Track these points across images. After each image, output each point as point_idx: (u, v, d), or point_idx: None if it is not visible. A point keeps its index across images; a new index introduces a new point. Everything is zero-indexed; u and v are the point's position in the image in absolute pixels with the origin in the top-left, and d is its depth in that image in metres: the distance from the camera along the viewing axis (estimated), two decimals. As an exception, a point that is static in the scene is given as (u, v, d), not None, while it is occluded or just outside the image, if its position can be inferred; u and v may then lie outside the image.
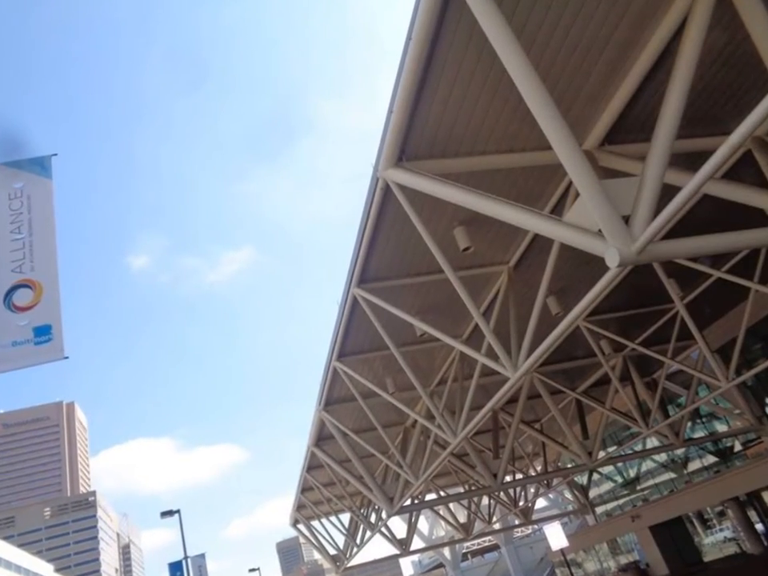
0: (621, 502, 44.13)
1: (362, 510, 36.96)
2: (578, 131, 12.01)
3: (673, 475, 39.15)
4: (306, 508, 40.29)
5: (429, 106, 10.80)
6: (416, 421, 24.58)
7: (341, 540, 42.61)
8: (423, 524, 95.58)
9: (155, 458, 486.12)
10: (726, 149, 7.44)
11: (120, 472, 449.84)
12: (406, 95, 10.33)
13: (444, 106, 10.91)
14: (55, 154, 17.02)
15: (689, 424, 31.98)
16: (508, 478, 33.41)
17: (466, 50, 9.86)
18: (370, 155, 12.19)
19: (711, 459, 35.97)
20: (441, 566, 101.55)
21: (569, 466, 38.53)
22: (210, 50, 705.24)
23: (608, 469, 44.32)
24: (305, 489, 36.79)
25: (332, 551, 42.70)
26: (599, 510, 46.54)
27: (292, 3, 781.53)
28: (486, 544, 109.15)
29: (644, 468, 41.85)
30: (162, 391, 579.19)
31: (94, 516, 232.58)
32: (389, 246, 14.64)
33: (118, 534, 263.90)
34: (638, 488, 42.48)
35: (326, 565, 42.53)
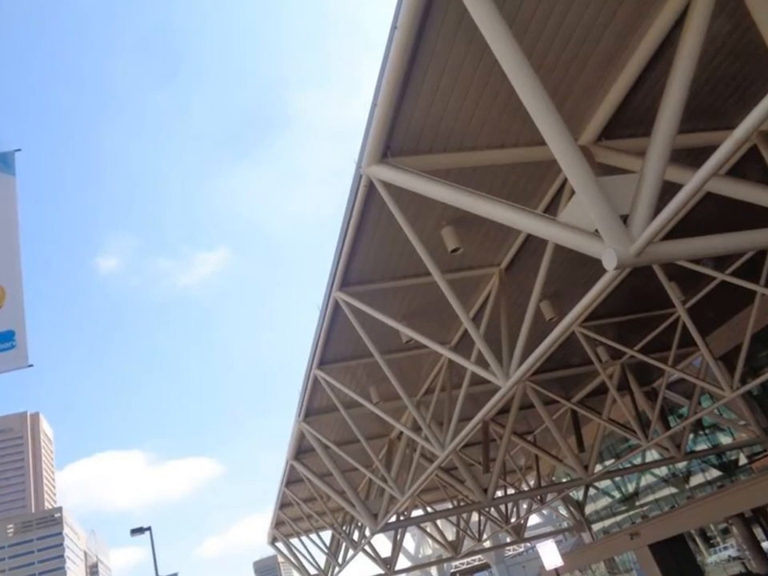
0: (619, 518, 44.15)
1: (344, 527, 36.88)
2: (573, 125, 12.00)
3: (674, 490, 39.17)
4: (285, 525, 40.21)
5: (415, 98, 10.76)
6: (401, 433, 24.55)
7: (322, 559, 42.54)
8: (409, 542, 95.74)
9: (125, 471, 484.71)
10: (729, 144, 7.42)
11: (88, 487, 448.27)
12: (390, 87, 10.28)
13: (431, 99, 10.87)
14: (18, 150, 16.92)
15: (691, 436, 32.07)
16: (499, 493, 33.43)
17: (455, 39, 9.83)
18: (353, 151, 12.16)
19: (715, 473, 36.00)
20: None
21: (563, 480, 38.48)
22: (183, 39, 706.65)
23: (605, 483, 44.36)
24: (283, 504, 36.75)
25: (312, 571, 42.57)
26: (596, 527, 46.55)
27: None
28: (476, 563, 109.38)
29: (643, 483, 41.87)
30: (131, 401, 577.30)
31: (60, 533, 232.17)
32: (373, 246, 14.60)
33: (85, 553, 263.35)
34: (637, 504, 42.50)
35: (307, 585, 42.56)
